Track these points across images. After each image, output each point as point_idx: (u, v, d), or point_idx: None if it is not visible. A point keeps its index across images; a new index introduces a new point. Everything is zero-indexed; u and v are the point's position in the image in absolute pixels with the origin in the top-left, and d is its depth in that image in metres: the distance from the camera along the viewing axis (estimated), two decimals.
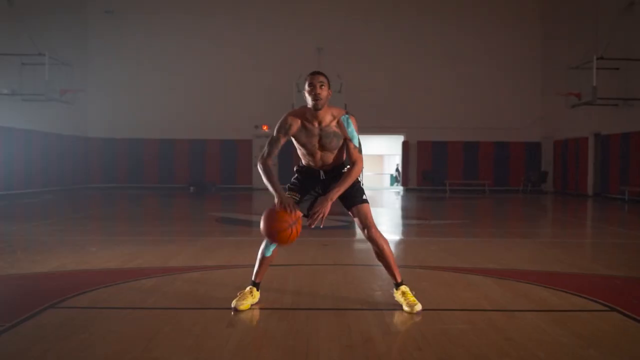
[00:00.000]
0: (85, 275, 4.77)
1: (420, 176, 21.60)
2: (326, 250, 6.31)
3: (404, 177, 21.95)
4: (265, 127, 21.08)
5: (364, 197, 3.72)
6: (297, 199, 3.70)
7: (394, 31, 21.23)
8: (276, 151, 3.66)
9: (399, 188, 23.50)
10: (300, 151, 3.73)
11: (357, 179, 3.74)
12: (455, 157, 21.49)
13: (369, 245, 6.77)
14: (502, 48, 21.21)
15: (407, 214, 12.14)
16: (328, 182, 3.73)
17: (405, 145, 21.76)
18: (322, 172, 3.74)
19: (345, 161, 3.76)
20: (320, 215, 3.46)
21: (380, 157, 31.39)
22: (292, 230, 3.43)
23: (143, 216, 11.31)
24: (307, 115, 3.59)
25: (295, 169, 3.87)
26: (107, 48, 21.16)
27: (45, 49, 16.08)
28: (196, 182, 20.35)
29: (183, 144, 21.29)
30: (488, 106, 21.24)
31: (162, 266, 5.20)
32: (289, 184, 3.80)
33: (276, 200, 3.52)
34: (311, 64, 20.04)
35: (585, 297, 4.02)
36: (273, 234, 3.44)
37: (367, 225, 3.67)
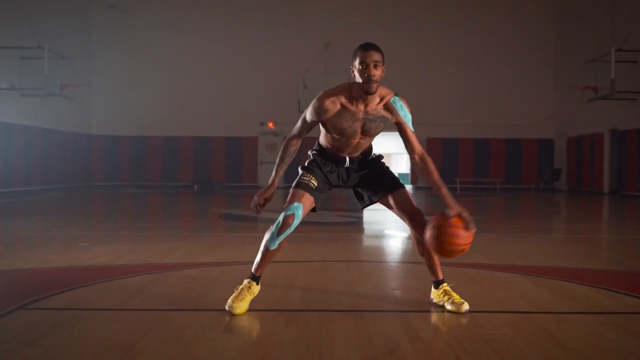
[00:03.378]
0: (69, 272, 4.27)
1: None
2: (336, 246, 5.80)
3: (413, 175, 21.39)
4: (270, 124, 20.59)
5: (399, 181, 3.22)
6: (315, 184, 3.17)
7: (402, 26, 20.69)
8: (306, 133, 3.18)
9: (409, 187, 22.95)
10: (329, 135, 3.14)
11: (382, 160, 3.29)
12: (465, 155, 20.93)
13: (381, 241, 6.30)
14: (513, 42, 20.63)
15: None
16: (355, 170, 3.23)
17: None
18: (348, 159, 3.21)
19: (371, 147, 3.30)
20: (468, 215, 2.93)
21: (388, 155, 30.84)
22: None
23: (143, 213, 10.82)
24: (351, 97, 3.00)
25: (315, 150, 3.29)
26: (111, 44, 20.72)
27: (45, 42, 15.62)
28: (201, 180, 19.86)
29: (187, 141, 20.83)
30: (499, 102, 20.66)
31: (156, 262, 4.68)
32: (306, 165, 3.26)
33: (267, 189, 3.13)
34: (317, 60, 19.57)
35: (639, 297, 3.48)
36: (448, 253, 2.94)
37: (414, 210, 3.18)
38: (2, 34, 15.18)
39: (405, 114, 3.05)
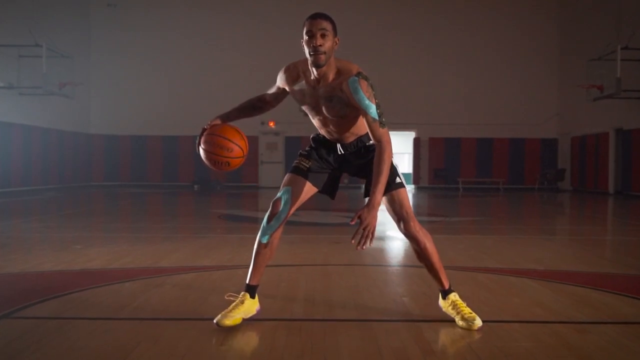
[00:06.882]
0: (60, 276, 4.07)
1: (432, 174, 20.85)
2: (339, 248, 5.60)
3: (415, 175, 21.19)
4: (271, 124, 20.40)
5: (398, 179, 2.86)
6: (307, 166, 2.94)
7: (404, 26, 20.49)
8: (273, 98, 3.04)
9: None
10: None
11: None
12: (468, 154, 20.72)
13: (385, 243, 6.10)
14: (516, 40, 20.41)
15: (422, 211, 11.39)
16: (348, 158, 2.96)
17: (416, 142, 21.02)
18: (339, 146, 2.94)
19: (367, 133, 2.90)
20: (369, 230, 2.58)
21: None
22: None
23: (141, 213, 10.62)
24: (307, 72, 2.78)
25: (311, 137, 3.09)
26: (110, 42, 20.53)
27: (43, 40, 15.44)
28: (200, 180, 19.67)
29: (187, 140, 20.61)
30: (502, 101, 20.45)
31: (152, 266, 4.49)
32: (300, 151, 3.05)
33: None
34: None
35: None
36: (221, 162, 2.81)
37: (404, 217, 2.82)
38: (0, 31, 14.99)
39: (360, 98, 2.65)
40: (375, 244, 6.30)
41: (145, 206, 12.36)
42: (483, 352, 2.45)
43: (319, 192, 3.01)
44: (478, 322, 2.77)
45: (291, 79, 2.86)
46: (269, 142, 20.77)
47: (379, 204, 2.66)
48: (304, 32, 2.69)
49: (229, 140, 2.80)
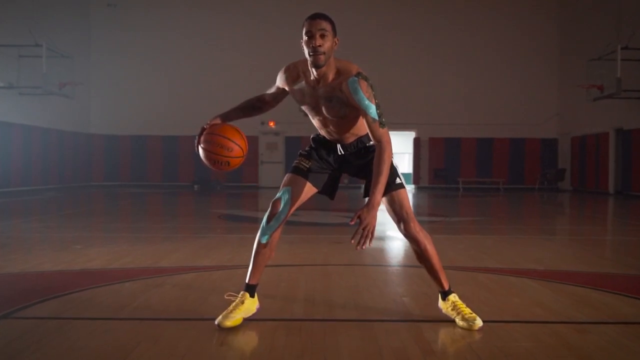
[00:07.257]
0: (60, 276, 4.07)
1: (432, 174, 20.85)
2: (339, 248, 5.60)
3: (415, 175, 21.19)
4: (271, 124, 20.39)
5: (398, 180, 2.86)
6: (307, 166, 2.94)
7: (404, 26, 20.49)
8: (267, 95, 3.03)
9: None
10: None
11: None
12: (468, 154, 20.72)
13: (385, 243, 6.10)
14: (516, 40, 20.42)
15: (422, 211, 11.39)
16: (348, 158, 2.96)
17: (416, 142, 21.02)
18: (339, 147, 2.94)
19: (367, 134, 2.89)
20: (369, 229, 2.57)
21: None
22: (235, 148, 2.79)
23: (141, 213, 10.62)
24: (307, 72, 2.77)
25: (311, 137, 3.09)
26: (110, 42, 20.54)
27: (43, 40, 15.43)
28: (200, 180, 19.67)
29: (187, 140, 20.61)
30: (503, 101, 20.45)
31: (152, 266, 4.49)
32: (300, 151, 3.05)
33: None
34: None
35: None
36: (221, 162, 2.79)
37: (404, 218, 2.82)
38: (0, 31, 14.99)
39: (360, 98, 2.64)
40: (375, 244, 6.30)
41: (145, 206, 12.36)
42: (483, 352, 2.45)
43: (318, 192, 3.01)
44: (478, 322, 2.77)
45: (291, 79, 2.86)
46: (269, 142, 20.77)
47: (378, 204, 2.66)
48: (304, 32, 2.68)
49: (229, 139, 2.79)
